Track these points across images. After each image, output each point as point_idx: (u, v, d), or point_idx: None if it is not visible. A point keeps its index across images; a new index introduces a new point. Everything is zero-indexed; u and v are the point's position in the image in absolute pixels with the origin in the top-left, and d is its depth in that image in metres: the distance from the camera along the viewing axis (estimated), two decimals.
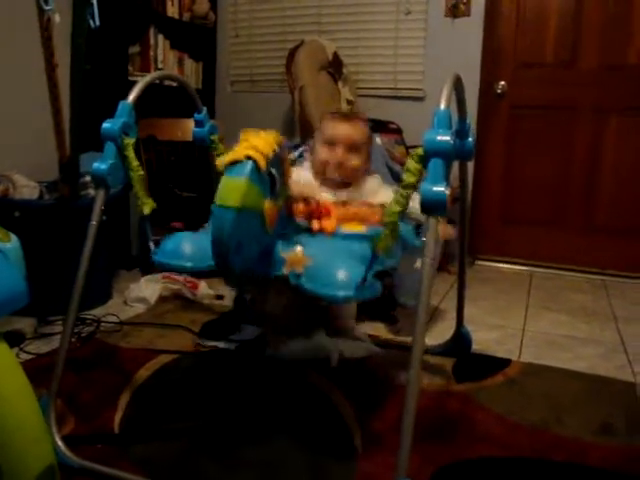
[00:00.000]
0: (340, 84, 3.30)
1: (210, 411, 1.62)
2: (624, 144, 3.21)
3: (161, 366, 1.90)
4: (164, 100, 2.96)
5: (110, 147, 1.44)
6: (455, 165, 1.37)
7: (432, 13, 3.33)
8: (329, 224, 1.46)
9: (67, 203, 2.33)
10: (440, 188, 1.06)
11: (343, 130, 1.67)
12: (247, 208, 1.16)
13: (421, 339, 1.08)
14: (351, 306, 1.77)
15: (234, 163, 1.18)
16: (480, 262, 3.50)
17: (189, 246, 1.39)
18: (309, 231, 1.46)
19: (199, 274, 2.66)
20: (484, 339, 2.23)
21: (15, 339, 2.01)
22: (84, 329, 2.17)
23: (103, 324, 2.24)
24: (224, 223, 1.14)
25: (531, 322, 2.48)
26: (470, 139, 1.43)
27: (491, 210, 3.51)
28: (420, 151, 1.11)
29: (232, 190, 1.15)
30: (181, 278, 2.63)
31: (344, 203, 1.60)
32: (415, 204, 1.42)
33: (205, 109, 1.76)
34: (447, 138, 1.08)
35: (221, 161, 1.20)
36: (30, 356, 1.94)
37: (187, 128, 2.64)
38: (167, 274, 2.65)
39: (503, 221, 3.52)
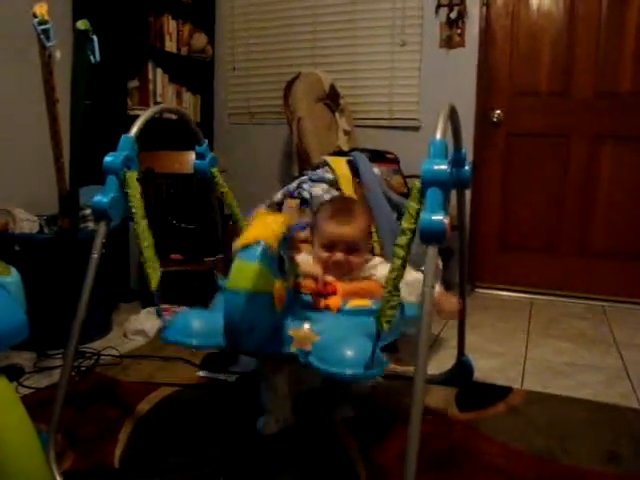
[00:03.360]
0: (337, 115, 3.34)
1: (211, 445, 1.60)
2: (619, 170, 3.24)
3: (161, 399, 1.89)
4: (162, 133, 2.99)
5: (112, 180, 1.44)
6: (453, 193, 1.38)
7: (427, 44, 3.38)
8: (334, 302, 1.48)
9: (67, 236, 2.34)
10: (439, 217, 1.06)
11: (343, 233, 1.62)
12: (258, 291, 1.18)
13: (424, 368, 1.07)
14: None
15: (246, 246, 1.20)
16: (479, 290, 3.50)
17: (198, 323, 1.40)
18: (314, 307, 1.47)
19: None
20: (485, 367, 2.21)
21: (14, 373, 2.00)
22: (83, 363, 2.15)
23: (102, 357, 2.23)
24: (236, 307, 1.16)
25: (532, 349, 2.47)
26: (467, 167, 1.44)
27: (489, 237, 3.52)
28: (418, 183, 1.11)
29: (244, 275, 1.17)
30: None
31: (350, 280, 1.61)
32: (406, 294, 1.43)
33: (206, 141, 1.77)
34: (444, 167, 1.09)
35: (236, 244, 1.23)
36: (29, 390, 1.92)
37: (185, 160, 2.67)
38: (167, 306, 2.63)
39: (501, 248, 3.53)
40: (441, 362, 2.16)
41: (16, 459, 1.06)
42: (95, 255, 1.45)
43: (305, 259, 1.60)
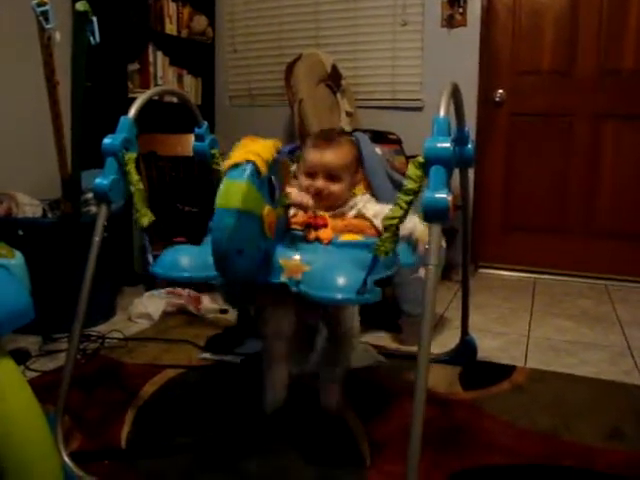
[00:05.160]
0: (339, 96, 3.32)
1: (216, 425, 1.61)
2: (622, 149, 3.22)
3: (166, 381, 1.90)
4: (164, 116, 2.98)
5: (111, 162, 1.44)
6: (456, 174, 1.38)
7: (428, 24, 3.35)
8: (325, 234, 1.46)
9: (69, 220, 2.34)
10: (442, 195, 1.06)
11: (322, 159, 1.60)
12: (247, 210, 1.17)
13: (427, 347, 1.08)
14: (352, 312, 1.74)
15: (235, 166, 1.19)
16: (482, 270, 3.50)
17: (187, 258, 1.39)
18: (305, 240, 1.46)
19: (202, 288, 2.67)
20: (489, 346, 2.22)
21: (20, 357, 2.01)
22: (89, 346, 2.17)
23: (107, 340, 2.24)
24: (225, 224, 1.14)
25: (535, 328, 2.48)
26: (469, 146, 1.44)
27: (492, 217, 3.51)
28: (421, 158, 1.11)
29: (233, 192, 1.16)
30: (185, 293, 2.63)
31: (340, 215, 1.60)
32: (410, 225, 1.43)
33: (206, 123, 1.76)
34: (447, 145, 1.09)
35: (224, 166, 1.22)
36: (35, 374, 1.94)
37: (187, 143, 2.65)
38: (171, 289, 2.65)
39: (504, 228, 3.52)
40: (445, 342, 2.17)
41: (25, 441, 1.07)
42: (97, 238, 1.45)
43: (293, 190, 1.57)
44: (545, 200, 3.40)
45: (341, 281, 1.22)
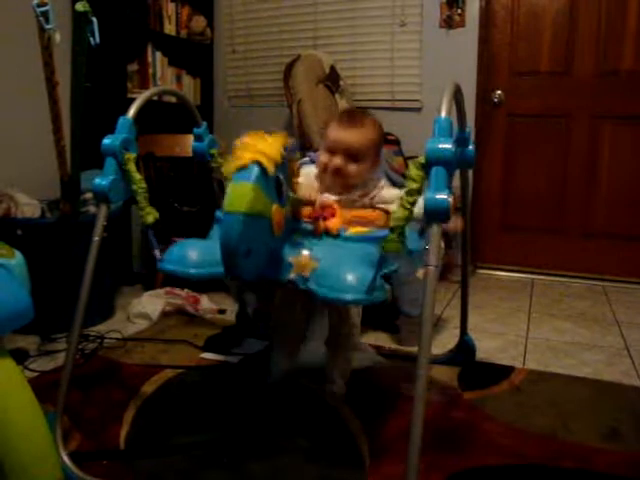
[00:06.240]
0: (337, 96, 3.32)
1: (216, 425, 1.61)
2: (620, 150, 3.23)
3: (165, 381, 1.90)
4: (162, 116, 2.98)
5: (111, 163, 1.45)
6: (456, 174, 1.38)
7: (427, 24, 3.36)
8: (333, 224, 1.45)
9: (68, 221, 2.34)
10: (443, 196, 1.06)
11: (344, 137, 1.57)
12: (255, 213, 1.16)
13: (427, 348, 1.08)
14: (356, 314, 1.75)
15: (241, 168, 1.18)
16: (481, 270, 3.50)
17: (195, 253, 1.39)
18: (315, 234, 1.45)
19: (201, 288, 2.67)
20: (487, 347, 2.23)
21: (19, 357, 2.01)
22: (87, 346, 2.17)
23: (106, 340, 2.24)
24: (233, 229, 1.14)
25: (534, 329, 2.48)
26: (471, 147, 1.44)
27: (491, 218, 3.52)
28: (421, 159, 1.11)
29: (240, 196, 1.14)
30: (183, 293, 2.63)
31: (349, 203, 1.57)
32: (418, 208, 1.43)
33: (205, 123, 1.77)
34: (449, 146, 1.09)
35: (229, 167, 1.21)
36: (34, 373, 1.93)
37: (185, 144, 2.66)
38: (169, 289, 2.65)
39: (503, 229, 3.53)
40: (443, 342, 2.18)
41: (24, 440, 1.07)
42: (96, 238, 1.45)
43: (307, 173, 1.58)
44: (543, 201, 3.41)
45: (350, 280, 1.21)
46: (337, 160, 1.57)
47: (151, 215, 1.48)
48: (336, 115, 1.75)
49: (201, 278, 1.38)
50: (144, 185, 1.48)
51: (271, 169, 1.20)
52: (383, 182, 1.68)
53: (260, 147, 1.21)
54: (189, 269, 1.37)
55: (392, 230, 1.18)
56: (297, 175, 1.46)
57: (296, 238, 1.41)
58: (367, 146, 1.59)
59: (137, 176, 1.46)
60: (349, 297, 1.21)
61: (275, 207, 1.24)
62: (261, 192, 1.17)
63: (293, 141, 1.41)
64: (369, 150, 1.60)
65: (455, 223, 1.56)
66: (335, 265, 1.28)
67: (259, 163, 1.18)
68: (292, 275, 1.32)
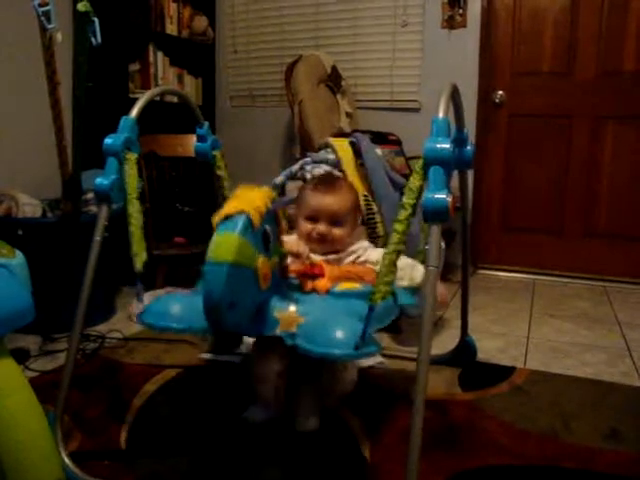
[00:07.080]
0: (339, 97, 3.33)
1: (217, 425, 1.61)
2: (621, 150, 3.23)
3: (166, 381, 1.90)
4: (164, 116, 2.98)
5: (112, 162, 1.44)
6: (455, 175, 1.38)
7: (429, 25, 3.36)
8: (322, 284, 1.42)
9: (69, 220, 2.34)
10: (441, 195, 1.06)
11: (327, 204, 1.58)
12: (240, 264, 1.12)
13: (427, 348, 1.08)
14: (352, 372, 1.68)
15: (226, 218, 1.15)
16: (481, 271, 3.50)
17: (178, 307, 1.33)
18: (302, 290, 1.42)
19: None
20: (488, 347, 2.22)
21: (20, 356, 2.01)
22: (88, 346, 2.17)
23: (107, 340, 2.24)
24: (216, 279, 1.09)
25: (535, 330, 2.48)
26: (469, 147, 1.44)
27: (491, 219, 3.52)
28: (419, 165, 1.11)
29: (224, 246, 1.11)
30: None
31: (337, 261, 1.58)
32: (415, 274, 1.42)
33: (207, 123, 1.77)
34: (446, 146, 1.09)
35: (215, 217, 1.17)
36: (35, 373, 1.93)
37: (187, 143, 2.66)
38: (171, 289, 2.65)
39: (504, 229, 3.53)
40: (444, 343, 2.17)
41: (25, 440, 1.07)
42: (97, 238, 1.45)
43: (289, 238, 1.55)
44: (544, 201, 3.41)
45: (339, 335, 1.17)
46: (321, 227, 1.59)
47: (140, 259, 1.43)
48: (310, 182, 1.74)
49: (181, 333, 1.36)
50: (140, 210, 1.44)
51: (257, 220, 1.17)
52: (366, 243, 1.71)
53: (247, 198, 1.19)
54: (169, 323, 1.31)
55: (379, 275, 1.15)
56: (284, 229, 1.45)
57: (283, 293, 1.35)
58: (349, 209, 1.63)
59: (134, 194, 1.43)
60: (337, 352, 1.16)
61: (261, 259, 1.20)
62: (246, 243, 1.14)
63: (279, 196, 1.39)
64: (350, 213, 1.63)
65: (441, 296, 1.56)
66: (323, 320, 1.24)
67: (245, 213, 1.15)
68: (278, 331, 1.27)
